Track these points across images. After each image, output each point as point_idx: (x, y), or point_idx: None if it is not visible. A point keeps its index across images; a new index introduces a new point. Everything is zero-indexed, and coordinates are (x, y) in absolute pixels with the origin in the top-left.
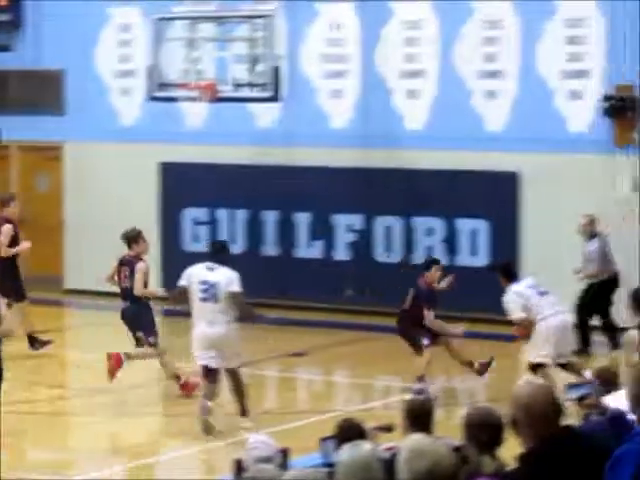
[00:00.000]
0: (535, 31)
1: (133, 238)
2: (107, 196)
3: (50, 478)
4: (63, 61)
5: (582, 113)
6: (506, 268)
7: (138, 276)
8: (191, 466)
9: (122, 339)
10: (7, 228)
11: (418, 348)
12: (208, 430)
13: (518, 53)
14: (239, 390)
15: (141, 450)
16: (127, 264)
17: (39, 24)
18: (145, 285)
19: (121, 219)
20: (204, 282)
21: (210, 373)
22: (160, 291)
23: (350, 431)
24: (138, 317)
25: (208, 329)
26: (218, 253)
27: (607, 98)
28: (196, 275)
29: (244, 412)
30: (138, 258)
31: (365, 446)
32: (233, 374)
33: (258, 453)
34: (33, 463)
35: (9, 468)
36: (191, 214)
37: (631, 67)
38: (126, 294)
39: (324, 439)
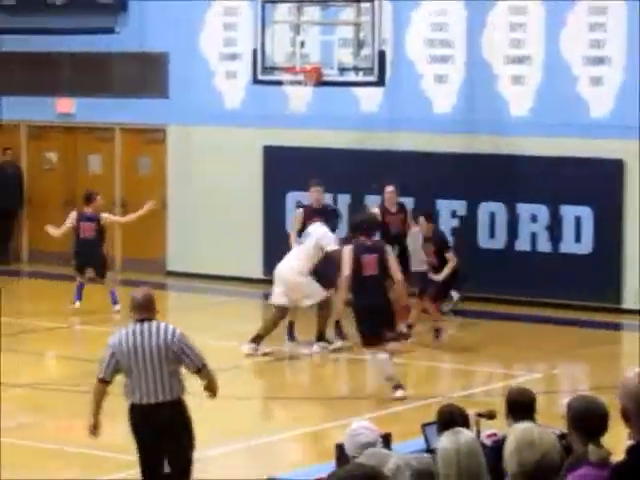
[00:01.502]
0: None
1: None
2: (210, 179)
3: None
4: (167, 44)
5: None
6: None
7: None
8: (290, 450)
9: (224, 322)
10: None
11: None
12: None
13: (625, 40)
14: None
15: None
16: None
17: (144, 6)
18: None
19: (224, 202)
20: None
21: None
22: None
23: (452, 417)
24: None
25: None
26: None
27: None
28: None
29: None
30: None
31: (467, 433)
32: None
33: (363, 439)
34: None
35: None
36: (295, 198)
37: None
38: None
39: (426, 424)
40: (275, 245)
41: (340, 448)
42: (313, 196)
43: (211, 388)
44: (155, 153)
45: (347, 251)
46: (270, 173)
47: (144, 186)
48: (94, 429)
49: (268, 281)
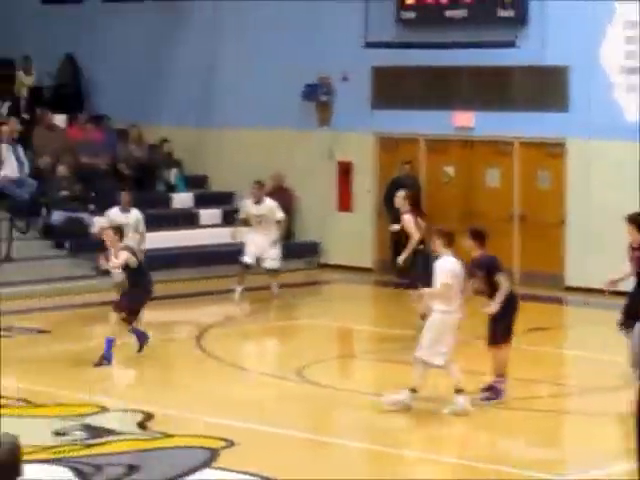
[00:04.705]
0: None
1: None
2: (610, 194)
3: (543, 477)
4: (568, 57)
5: None
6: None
7: None
8: None
9: (615, 340)
10: None
11: None
12: None
13: None
14: None
15: None
16: None
17: (544, 20)
18: None
19: (621, 218)
20: None
21: None
22: None
23: None
24: None
25: None
26: None
27: None
28: None
29: None
30: None
31: None
32: None
33: None
34: (523, 460)
35: (492, 462)
36: None
37: None
38: None
39: None
40: None
41: None
42: None
43: None
44: (554, 167)
45: None
46: None
47: (543, 201)
48: None
49: None
